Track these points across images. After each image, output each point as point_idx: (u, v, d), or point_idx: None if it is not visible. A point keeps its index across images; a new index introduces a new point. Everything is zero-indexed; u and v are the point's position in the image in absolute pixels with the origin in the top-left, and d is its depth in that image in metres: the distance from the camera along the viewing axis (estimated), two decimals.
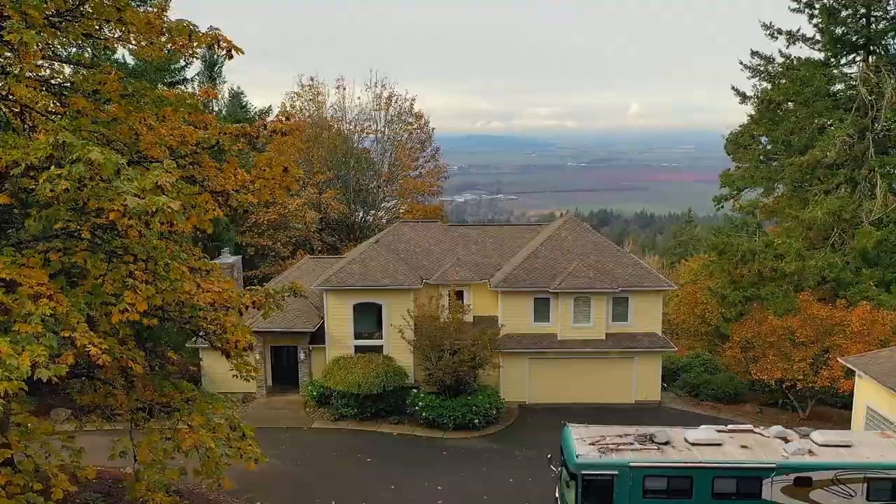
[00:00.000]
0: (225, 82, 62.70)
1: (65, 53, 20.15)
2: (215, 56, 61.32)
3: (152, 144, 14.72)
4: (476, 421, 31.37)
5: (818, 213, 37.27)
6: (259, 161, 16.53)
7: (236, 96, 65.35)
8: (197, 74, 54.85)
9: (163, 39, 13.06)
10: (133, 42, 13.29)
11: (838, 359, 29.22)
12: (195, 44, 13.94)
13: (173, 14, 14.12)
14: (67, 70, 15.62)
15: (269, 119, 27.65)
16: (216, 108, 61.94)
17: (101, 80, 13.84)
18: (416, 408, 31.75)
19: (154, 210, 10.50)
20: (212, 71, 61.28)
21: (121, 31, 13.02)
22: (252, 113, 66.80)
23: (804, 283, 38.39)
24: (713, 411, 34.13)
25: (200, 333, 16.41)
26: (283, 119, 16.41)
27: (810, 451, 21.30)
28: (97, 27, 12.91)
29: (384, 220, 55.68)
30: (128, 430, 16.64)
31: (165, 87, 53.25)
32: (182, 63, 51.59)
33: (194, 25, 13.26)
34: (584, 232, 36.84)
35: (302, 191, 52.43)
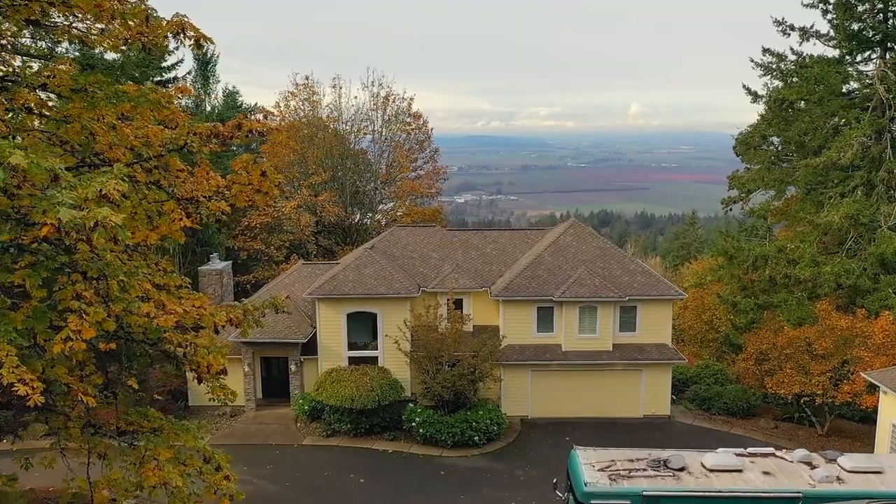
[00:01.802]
0: (219, 81, 61.15)
1: (32, 47, 18.45)
2: (203, 51, 59.83)
3: (111, 146, 13.04)
4: (476, 438, 29.67)
5: (835, 218, 35.53)
6: (235, 164, 14.81)
7: (231, 95, 63.79)
8: (188, 73, 53.01)
9: (116, 25, 11.37)
10: (83, 28, 11.63)
11: (861, 373, 27.54)
12: (157, 31, 12.24)
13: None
14: (18, 63, 13.94)
15: (252, 118, 25.97)
16: (208, 108, 60.47)
17: (51, 72, 12.17)
18: (413, 424, 30.05)
19: (93, 224, 8.82)
20: (205, 69, 59.65)
21: (68, 15, 11.36)
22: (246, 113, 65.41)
23: (819, 290, 36.67)
24: (725, 426, 32.42)
25: (172, 356, 14.70)
26: (262, 117, 14.60)
27: (839, 479, 19.60)
28: (40, 10, 11.22)
29: (383, 223, 54.01)
30: (100, 453, 14.99)
31: (154, 85, 51.76)
32: (172, 60, 50.04)
33: (153, 10, 11.59)
34: (588, 237, 35.13)
35: (296, 193, 50.82)
